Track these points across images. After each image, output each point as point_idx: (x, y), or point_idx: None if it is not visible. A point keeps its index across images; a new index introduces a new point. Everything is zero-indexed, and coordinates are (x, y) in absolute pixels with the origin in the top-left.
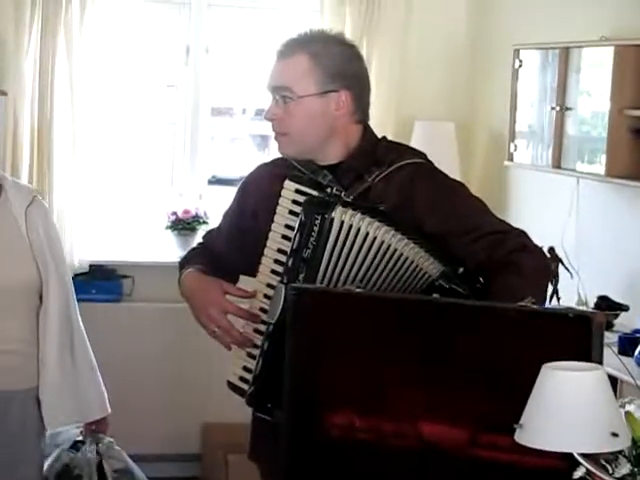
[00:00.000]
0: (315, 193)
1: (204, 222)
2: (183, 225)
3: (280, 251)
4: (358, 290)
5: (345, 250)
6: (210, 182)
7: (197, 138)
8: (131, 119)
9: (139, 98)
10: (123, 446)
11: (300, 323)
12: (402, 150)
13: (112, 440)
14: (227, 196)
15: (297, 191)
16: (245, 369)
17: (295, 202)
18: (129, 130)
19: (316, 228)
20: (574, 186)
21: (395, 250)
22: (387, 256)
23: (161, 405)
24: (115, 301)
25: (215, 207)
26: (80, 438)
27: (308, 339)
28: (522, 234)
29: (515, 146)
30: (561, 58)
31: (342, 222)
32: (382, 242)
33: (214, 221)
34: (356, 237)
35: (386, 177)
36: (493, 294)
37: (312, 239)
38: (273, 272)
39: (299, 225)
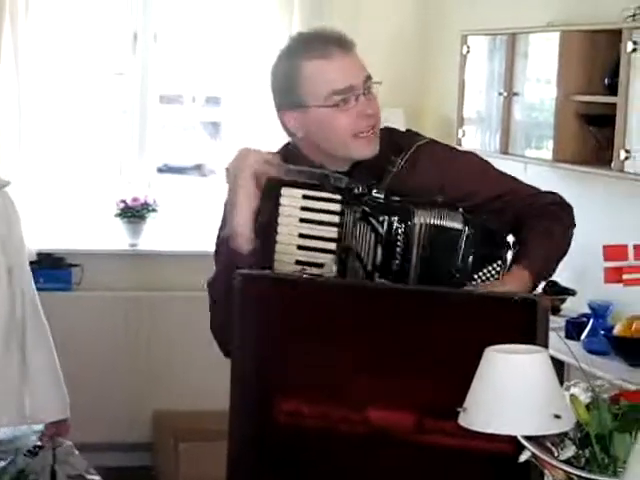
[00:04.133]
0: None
1: (153, 210)
2: (132, 213)
3: (298, 262)
4: (306, 276)
5: (428, 248)
6: (162, 170)
7: (145, 126)
8: (79, 107)
9: (87, 86)
10: (72, 434)
11: (248, 310)
12: (405, 133)
13: (71, 444)
14: (177, 184)
15: (305, 197)
16: None
17: (305, 209)
18: (77, 118)
19: (400, 237)
20: (522, 171)
21: (465, 231)
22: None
23: (111, 393)
24: (64, 290)
25: (164, 195)
26: (40, 443)
27: (256, 326)
28: (557, 195)
29: (463, 132)
30: (508, 44)
31: (421, 224)
32: (458, 230)
33: (163, 210)
34: (431, 232)
35: (408, 163)
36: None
37: (398, 249)
38: None
39: (379, 239)
